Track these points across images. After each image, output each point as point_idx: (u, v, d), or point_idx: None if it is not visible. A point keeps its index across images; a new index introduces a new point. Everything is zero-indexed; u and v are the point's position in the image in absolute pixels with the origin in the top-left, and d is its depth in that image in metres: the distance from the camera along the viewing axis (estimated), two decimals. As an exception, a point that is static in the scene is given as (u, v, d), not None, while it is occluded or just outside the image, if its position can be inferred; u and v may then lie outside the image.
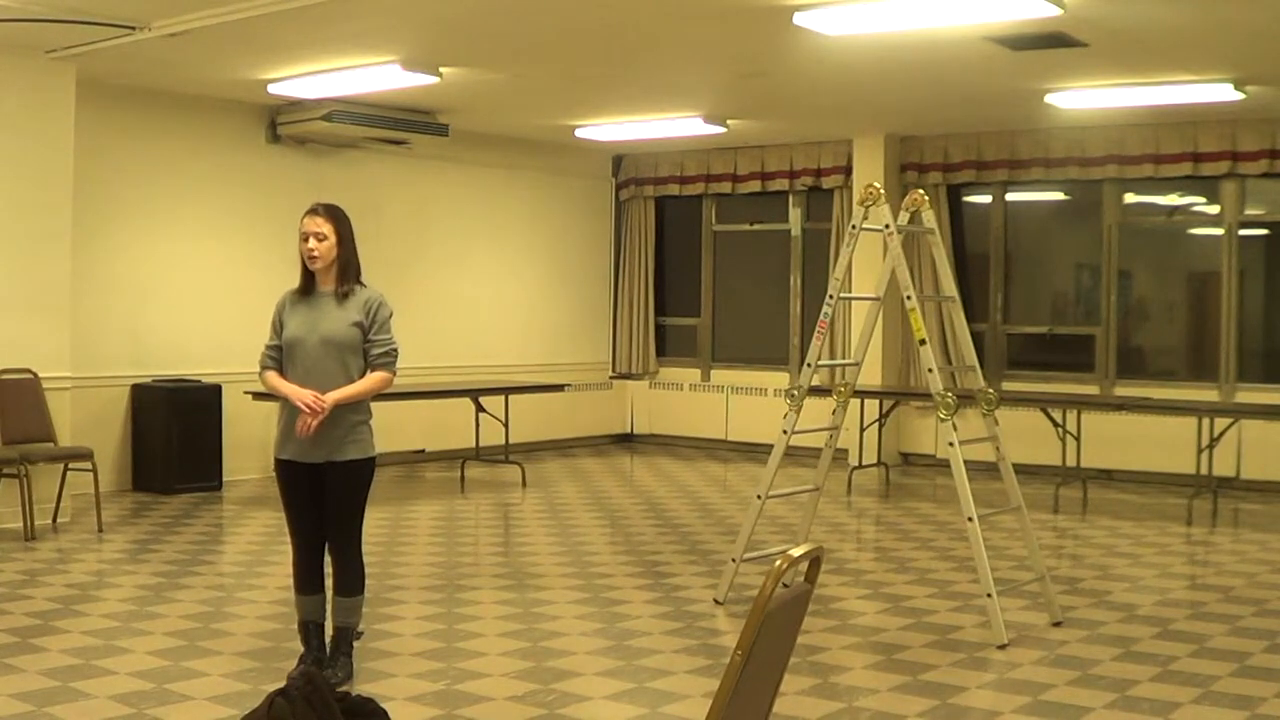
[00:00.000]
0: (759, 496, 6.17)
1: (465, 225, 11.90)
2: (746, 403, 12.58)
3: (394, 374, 4.87)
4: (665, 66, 8.76)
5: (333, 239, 4.77)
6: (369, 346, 4.80)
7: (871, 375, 10.82)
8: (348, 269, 4.83)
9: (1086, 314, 11.33)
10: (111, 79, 8.99)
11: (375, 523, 7.71)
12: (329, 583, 4.95)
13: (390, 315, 4.86)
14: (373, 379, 4.82)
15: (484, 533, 8.48)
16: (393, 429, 8.81)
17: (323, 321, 4.78)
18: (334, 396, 4.69)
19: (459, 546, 7.75)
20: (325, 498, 4.80)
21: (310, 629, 4.93)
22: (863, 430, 10.77)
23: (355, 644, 4.99)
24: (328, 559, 4.93)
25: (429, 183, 11.54)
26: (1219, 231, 10.57)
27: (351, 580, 4.88)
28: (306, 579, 4.91)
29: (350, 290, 4.81)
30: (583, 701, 4.71)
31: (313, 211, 4.83)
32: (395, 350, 4.85)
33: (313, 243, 4.77)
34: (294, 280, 4.92)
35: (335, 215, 4.82)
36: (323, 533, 4.85)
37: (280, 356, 4.85)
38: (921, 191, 6.14)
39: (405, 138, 10.51)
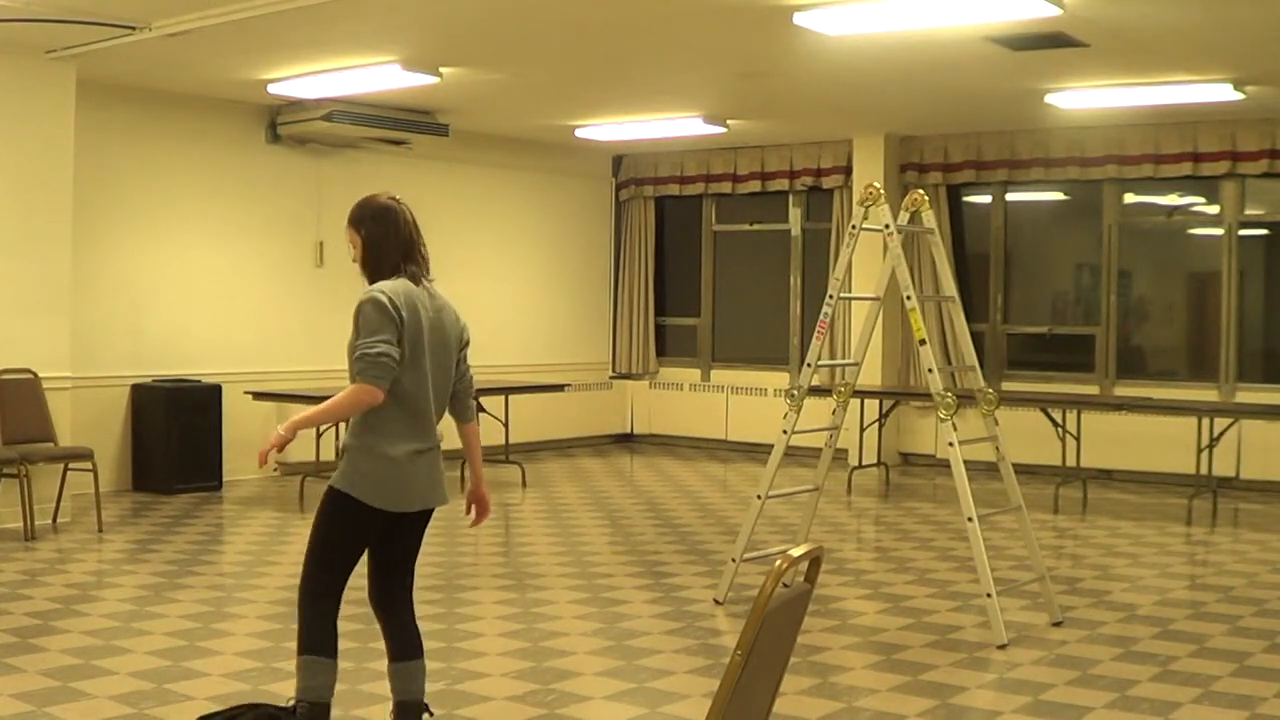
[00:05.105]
0: (759, 496, 6.17)
1: (465, 225, 11.89)
2: (746, 403, 12.58)
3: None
4: (665, 66, 8.75)
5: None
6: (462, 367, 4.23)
7: (871, 375, 10.82)
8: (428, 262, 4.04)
9: (1086, 314, 11.33)
10: (111, 79, 8.99)
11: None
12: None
13: None
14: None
15: (484, 533, 8.46)
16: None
17: (439, 327, 3.96)
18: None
19: (459, 546, 7.74)
20: (405, 544, 3.97)
21: (327, 712, 3.84)
22: (863, 430, 10.77)
23: None
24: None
25: (429, 183, 11.52)
26: (1219, 231, 10.57)
27: (419, 637, 4.00)
28: (334, 640, 3.87)
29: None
30: (583, 701, 4.71)
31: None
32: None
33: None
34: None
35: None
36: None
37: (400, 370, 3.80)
38: (921, 191, 6.14)
39: (405, 138, 10.52)
